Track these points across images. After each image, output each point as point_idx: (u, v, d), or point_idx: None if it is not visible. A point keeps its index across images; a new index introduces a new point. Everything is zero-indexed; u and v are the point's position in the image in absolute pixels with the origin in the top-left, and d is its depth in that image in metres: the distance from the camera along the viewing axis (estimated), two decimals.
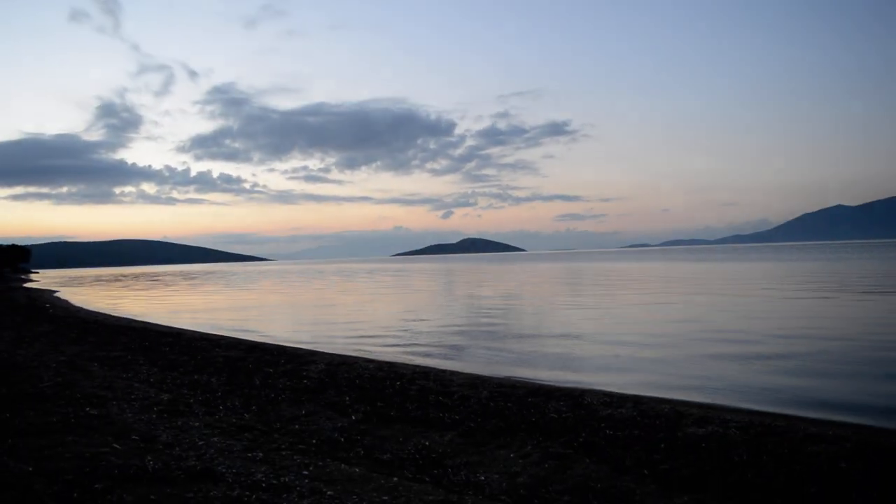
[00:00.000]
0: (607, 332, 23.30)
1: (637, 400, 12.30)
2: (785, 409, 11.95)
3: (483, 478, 8.01)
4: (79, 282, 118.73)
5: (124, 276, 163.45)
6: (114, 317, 34.85)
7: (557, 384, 14.31)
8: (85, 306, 45.52)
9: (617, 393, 13.28)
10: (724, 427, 9.92)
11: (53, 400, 10.25)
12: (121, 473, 6.48)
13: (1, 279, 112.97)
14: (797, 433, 9.53)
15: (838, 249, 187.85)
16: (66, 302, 51.08)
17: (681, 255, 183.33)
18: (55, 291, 72.75)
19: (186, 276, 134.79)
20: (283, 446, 8.54)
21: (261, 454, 7.88)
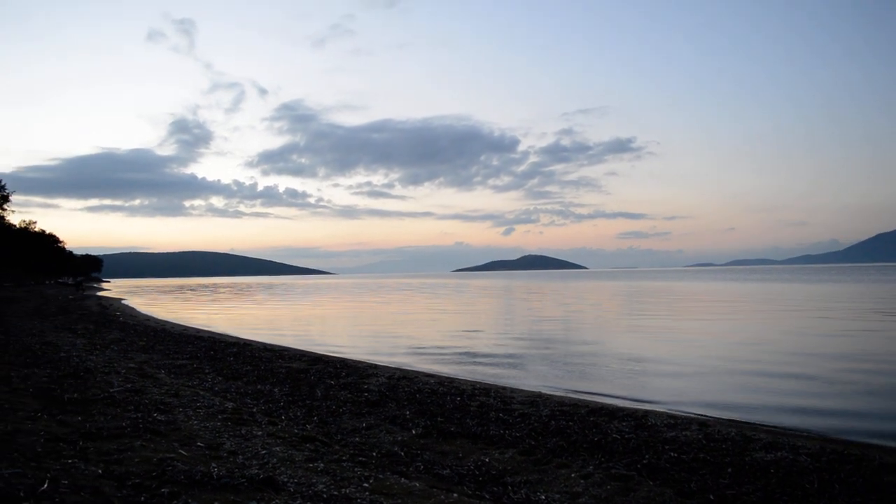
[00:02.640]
0: (671, 353, 22.84)
1: (702, 422, 12.01)
2: (859, 436, 11.51)
3: (543, 497, 7.90)
4: (148, 291, 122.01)
5: (192, 286, 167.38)
6: (181, 326, 35.65)
7: (620, 404, 14.08)
8: (153, 315, 46.70)
9: (681, 415, 13.00)
10: (794, 453, 9.60)
11: (123, 405, 10.50)
12: (186, 479, 6.58)
13: (76, 287, 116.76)
14: (872, 461, 9.16)
15: None
16: (135, 310, 52.49)
17: (747, 276, 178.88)
18: (125, 300, 74.85)
19: (251, 288, 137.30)
20: (344, 458, 8.57)
21: (322, 465, 7.91)
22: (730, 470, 8.73)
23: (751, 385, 16.58)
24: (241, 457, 7.91)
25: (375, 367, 19.45)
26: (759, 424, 12.26)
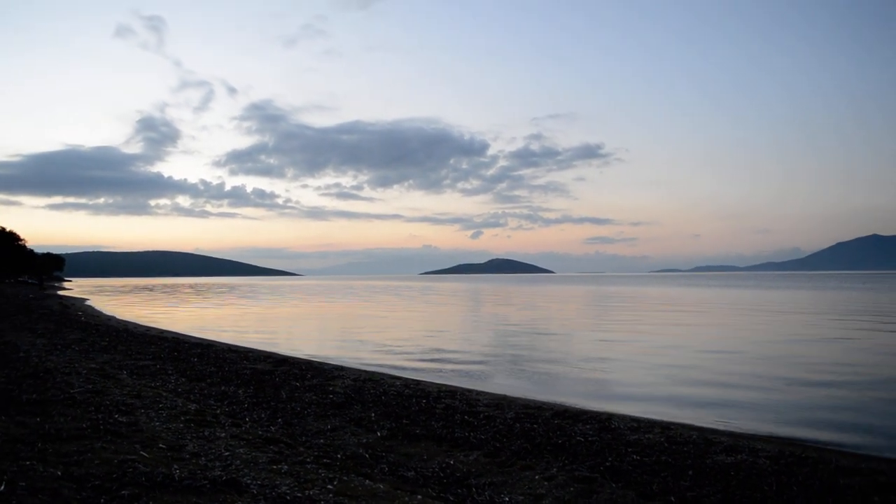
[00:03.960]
0: (636, 357, 23.05)
1: (665, 426, 12.15)
2: (817, 439, 11.73)
3: (507, 499, 7.93)
4: (111, 291, 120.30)
5: (156, 286, 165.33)
6: (144, 326, 35.20)
7: (584, 407, 14.18)
8: (116, 315, 46.06)
9: (645, 418, 13.12)
10: (753, 456, 9.76)
11: (83, 406, 10.35)
12: (148, 481, 6.50)
13: (38, 286, 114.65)
14: (829, 464, 9.34)
15: (871, 279, 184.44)
16: (98, 310, 51.73)
17: (710, 281, 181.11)
18: (87, 300, 73.71)
19: (217, 289, 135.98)
20: (309, 460, 8.53)
21: (286, 467, 7.87)
22: (691, 472, 8.84)
23: (713, 390, 16.82)
24: (203, 458, 7.84)
25: (342, 368, 19.38)
26: (720, 430, 12.42)
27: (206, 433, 9.40)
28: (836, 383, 17.43)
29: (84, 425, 8.83)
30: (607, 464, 9.21)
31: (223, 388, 14.95)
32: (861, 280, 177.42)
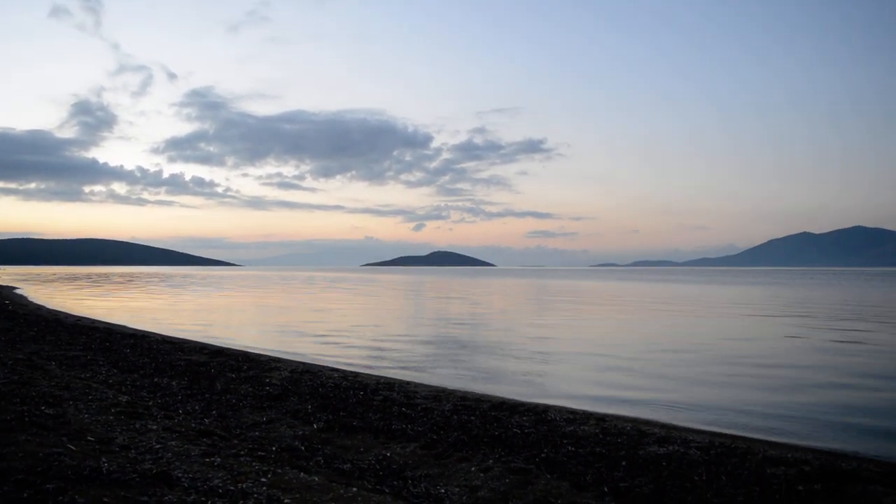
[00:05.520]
0: (573, 350, 23.38)
1: (600, 417, 12.35)
2: (746, 431, 12.07)
3: (443, 490, 7.97)
4: (42, 279, 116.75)
5: (89, 275, 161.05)
6: (75, 316, 34.29)
7: (521, 399, 14.32)
8: (46, 304, 44.78)
9: (580, 410, 13.31)
10: (685, 447, 9.99)
11: (8, 398, 10.03)
12: (74, 474, 6.34)
13: None
14: (757, 455, 9.61)
15: (801, 276, 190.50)
16: (27, 299, 50.21)
17: (648, 276, 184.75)
18: (16, 288, 71.45)
19: (153, 279, 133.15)
20: (243, 452, 8.42)
21: (219, 460, 7.76)
22: (624, 463, 9.01)
23: (648, 383, 17.16)
24: (133, 451, 7.68)
25: (278, 360, 19.21)
26: (654, 421, 12.68)
27: (138, 425, 9.21)
28: (768, 377, 17.97)
29: (8, 417, 8.56)
30: (543, 455, 9.33)
31: (156, 379, 14.68)
32: (791, 276, 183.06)
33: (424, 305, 51.31)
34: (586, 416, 12.35)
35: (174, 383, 14.29)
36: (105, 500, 5.78)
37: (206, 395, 13.04)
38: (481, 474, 8.49)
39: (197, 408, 11.87)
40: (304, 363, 19.01)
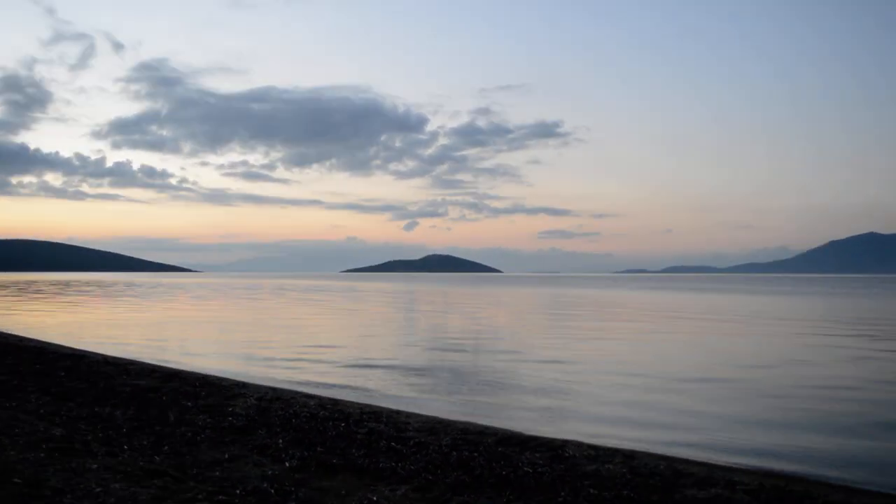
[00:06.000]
0: (594, 374, 23.35)
1: (628, 454, 12.30)
2: (801, 470, 12.02)
3: None
4: None
5: (17, 283, 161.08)
6: (0, 334, 34.25)
7: (533, 433, 14.27)
8: None
9: (604, 446, 13.26)
10: (730, 490, 9.95)
11: None
12: None
13: None
14: (817, 500, 9.58)
15: (869, 284, 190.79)
16: None
17: (684, 284, 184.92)
18: None
19: (95, 287, 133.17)
20: (200, 496, 8.39)
21: None
22: None
23: (684, 413, 17.11)
24: (70, 496, 7.66)
25: (244, 385, 19.17)
26: (692, 459, 12.63)
27: (74, 464, 9.17)
28: (829, 409, 17.89)
29: None
30: (560, 499, 9.29)
31: (97, 408, 14.62)
32: (857, 285, 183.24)
33: (417, 320, 51.34)
34: (611, 453, 12.31)
35: (118, 413, 14.23)
36: None
37: (157, 428, 12.99)
38: None
39: (146, 442, 11.82)
40: (273, 388, 18.98)
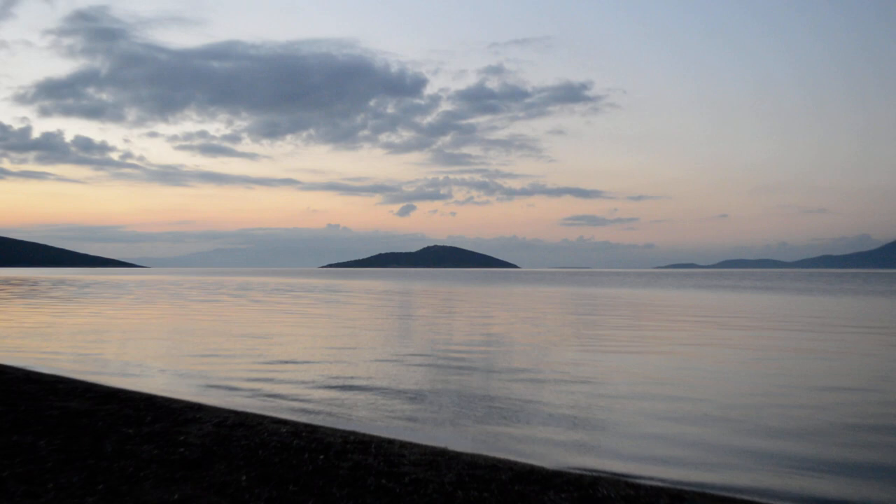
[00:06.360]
0: (631, 398, 23.29)
1: (675, 494, 12.26)
2: None
3: None
4: None
5: None
6: None
7: (557, 467, 14.23)
8: None
9: (645, 484, 13.22)
10: None
11: None
12: None
13: None
14: None
15: None
16: None
17: (744, 282, 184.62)
18: None
19: (17, 286, 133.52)
20: None
21: None
22: None
23: (743, 442, 17.06)
24: None
25: (199, 408, 19.16)
26: (756, 501, 12.57)
27: None
28: None
29: None
30: None
31: (15, 437, 14.63)
32: None
33: (413, 328, 51.31)
34: (654, 494, 12.26)
35: (42, 443, 14.23)
36: None
37: (90, 462, 12.97)
38: None
39: (75, 480, 11.79)
40: (236, 412, 18.97)
